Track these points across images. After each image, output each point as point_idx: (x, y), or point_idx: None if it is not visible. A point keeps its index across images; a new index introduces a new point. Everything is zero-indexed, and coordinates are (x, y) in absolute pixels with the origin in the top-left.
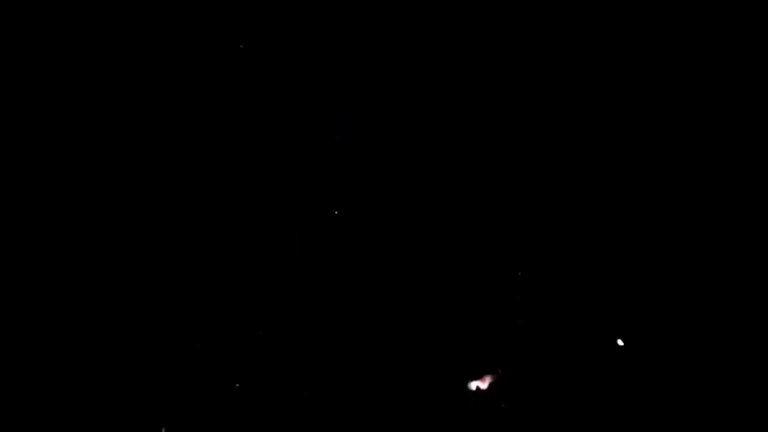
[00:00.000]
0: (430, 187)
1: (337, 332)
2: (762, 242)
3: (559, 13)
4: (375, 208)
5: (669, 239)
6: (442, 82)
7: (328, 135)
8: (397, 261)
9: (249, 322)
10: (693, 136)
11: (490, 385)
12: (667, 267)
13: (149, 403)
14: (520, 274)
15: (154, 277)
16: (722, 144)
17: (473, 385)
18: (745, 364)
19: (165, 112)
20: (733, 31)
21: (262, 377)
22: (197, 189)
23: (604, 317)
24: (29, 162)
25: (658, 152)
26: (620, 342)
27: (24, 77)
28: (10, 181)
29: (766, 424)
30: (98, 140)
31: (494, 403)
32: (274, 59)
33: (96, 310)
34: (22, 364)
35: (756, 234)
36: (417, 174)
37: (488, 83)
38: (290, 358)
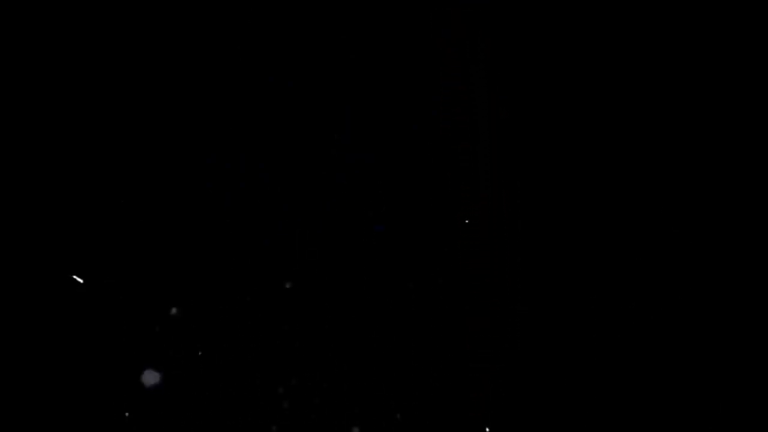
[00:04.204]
0: (430, 187)
1: (337, 332)
2: (762, 242)
3: (558, 13)
4: (375, 207)
5: (668, 234)
6: (441, 81)
7: (328, 135)
8: (397, 260)
9: (248, 322)
10: (690, 136)
11: None
12: (666, 263)
13: (148, 403)
14: (519, 268)
15: (153, 277)
16: (723, 144)
17: None
18: (746, 363)
19: (165, 112)
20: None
21: (261, 377)
22: (197, 189)
23: (603, 314)
24: (28, 162)
25: (656, 149)
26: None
27: (23, 78)
28: (9, 181)
29: (766, 424)
30: (97, 140)
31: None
32: (274, 59)
33: (94, 309)
34: (20, 363)
35: (756, 233)
36: (417, 174)
37: (488, 83)
38: (290, 358)
